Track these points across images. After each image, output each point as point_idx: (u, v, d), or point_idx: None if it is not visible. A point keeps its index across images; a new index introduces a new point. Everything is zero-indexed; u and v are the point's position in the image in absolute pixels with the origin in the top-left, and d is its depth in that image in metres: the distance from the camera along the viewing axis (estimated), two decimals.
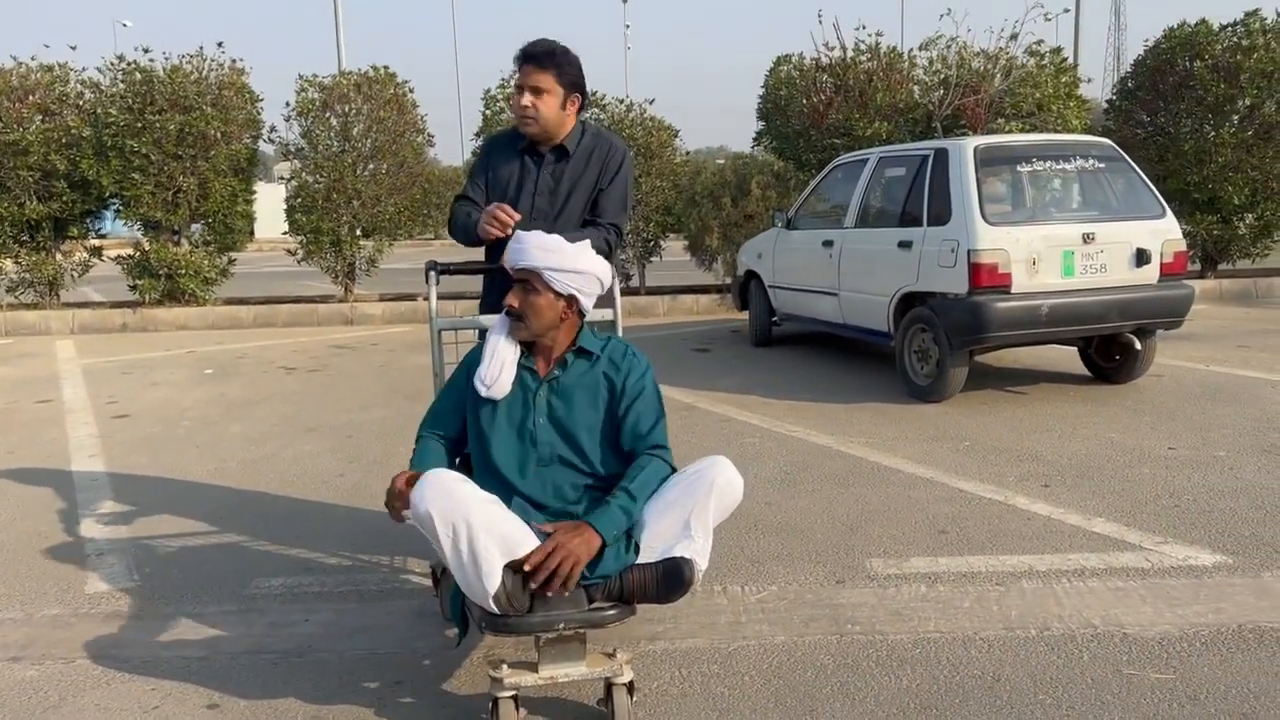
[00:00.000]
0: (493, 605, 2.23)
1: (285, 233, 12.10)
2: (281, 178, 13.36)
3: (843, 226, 7.30)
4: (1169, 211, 6.38)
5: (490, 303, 3.29)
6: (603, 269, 2.64)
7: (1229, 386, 6.38)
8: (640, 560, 2.37)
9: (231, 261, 11.85)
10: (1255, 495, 4.21)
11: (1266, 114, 10.95)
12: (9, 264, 11.34)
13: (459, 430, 2.71)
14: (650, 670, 2.80)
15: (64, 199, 11.11)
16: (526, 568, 2.25)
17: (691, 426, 5.72)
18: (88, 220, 11.76)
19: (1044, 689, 2.64)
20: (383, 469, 4.95)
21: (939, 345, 6.08)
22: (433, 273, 3.17)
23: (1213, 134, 11.13)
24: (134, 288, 11.37)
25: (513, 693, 2.35)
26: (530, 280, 2.56)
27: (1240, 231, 11.53)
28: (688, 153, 12.97)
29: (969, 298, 5.85)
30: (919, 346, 6.31)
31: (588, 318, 2.71)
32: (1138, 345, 6.31)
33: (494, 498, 2.37)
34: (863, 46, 11.66)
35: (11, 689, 2.81)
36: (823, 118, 11.48)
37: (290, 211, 11.56)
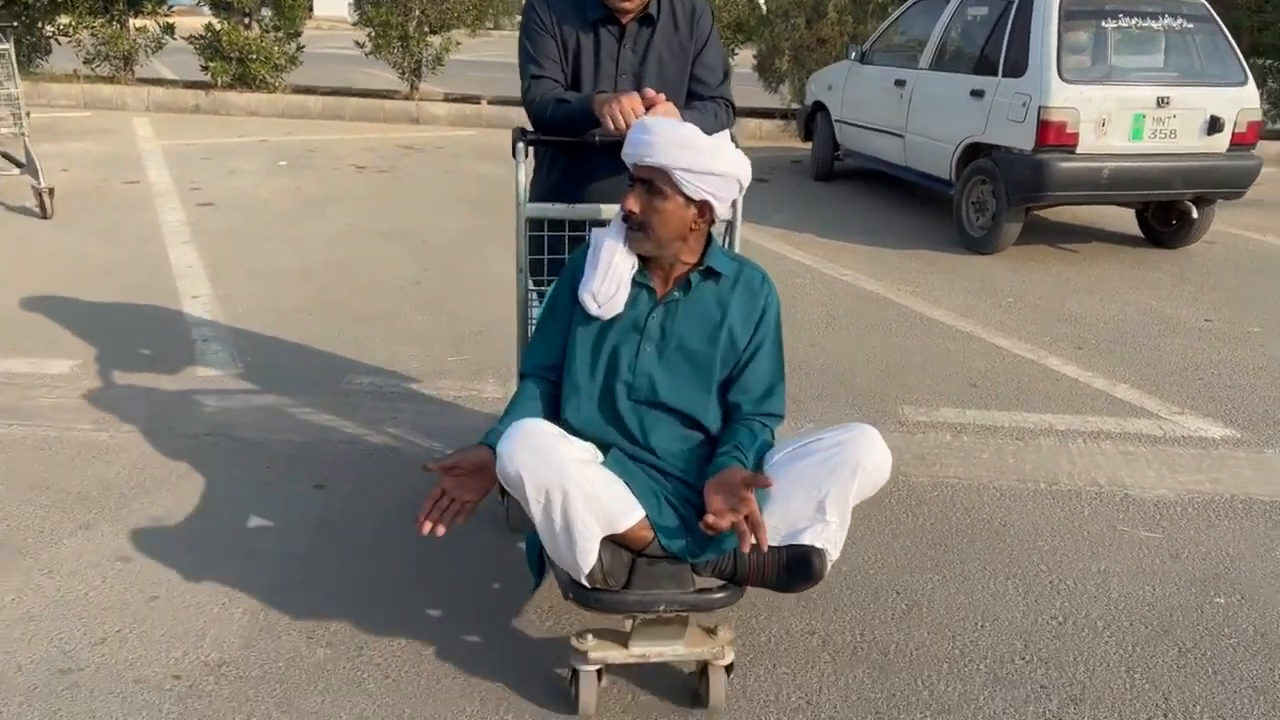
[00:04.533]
0: (585, 580, 1.98)
1: (354, 23, 12.05)
2: None
3: (917, 66, 7.24)
4: (1250, 79, 6.27)
5: (554, 184, 2.68)
6: (744, 169, 2.14)
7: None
8: None
9: (300, 49, 11.88)
10: (1278, 374, 4.42)
11: None
12: (85, 35, 11.47)
13: None
14: None
15: None
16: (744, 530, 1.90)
17: None
18: None
19: (1044, 537, 2.99)
20: (455, 280, 5.28)
21: (997, 199, 6.18)
22: (520, 144, 2.52)
23: None
24: (206, 68, 11.50)
25: (598, 666, 2.13)
26: (655, 180, 2.08)
27: None
28: None
29: (1033, 155, 5.90)
30: (977, 198, 6.40)
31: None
32: (1194, 213, 6.36)
33: (593, 452, 2.09)
34: None
35: (145, 458, 3.25)
36: None
37: (359, 2, 11.50)
